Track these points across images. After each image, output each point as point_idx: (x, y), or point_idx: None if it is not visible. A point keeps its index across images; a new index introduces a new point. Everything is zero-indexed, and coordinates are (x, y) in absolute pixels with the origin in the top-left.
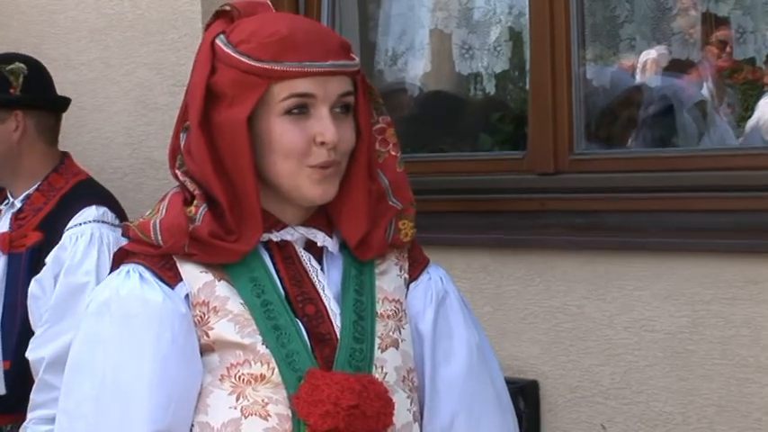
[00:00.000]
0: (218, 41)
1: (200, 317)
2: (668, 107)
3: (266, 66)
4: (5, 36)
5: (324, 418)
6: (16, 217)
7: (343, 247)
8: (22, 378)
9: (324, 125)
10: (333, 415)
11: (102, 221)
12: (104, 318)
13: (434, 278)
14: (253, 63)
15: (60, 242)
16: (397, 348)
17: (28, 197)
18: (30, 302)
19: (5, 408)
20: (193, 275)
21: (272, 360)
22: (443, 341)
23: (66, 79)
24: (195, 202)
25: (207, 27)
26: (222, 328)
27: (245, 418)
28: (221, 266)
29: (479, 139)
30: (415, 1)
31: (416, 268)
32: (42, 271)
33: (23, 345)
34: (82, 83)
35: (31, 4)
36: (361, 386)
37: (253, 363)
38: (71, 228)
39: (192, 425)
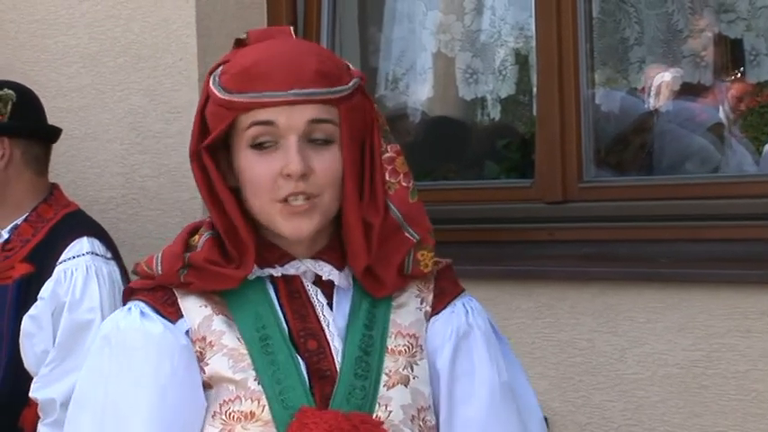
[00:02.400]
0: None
1: (200, 352)
2: (681, 132)
3: (230, 98)
4: None
5: None
6: (3, 248)
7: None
8: (9, 411)
9: (288, 156)
10: None
11: (95, 254)
12: (104, 352)
13: (458, 312)
14: (221, 95)
15: (54, 276)
16: (406, 386)
17: (15, 228)
18: (23, 340)
19: None
20: (193, 310)
21: (263, 397)
22: (463, 380)
23: (57, 106)
24: (201, 229)
25: None
26: (217, 363)
27: None
28: (224, 301)
29: (485, 167)
30: (417, 24)
31: (441, 300)
32: (38, 307)
33: (11, 378)
34: (73, 110)
35: (21, 29)
36: (350, 426)
37: (243, 399)
38: (65, 261)
39: None
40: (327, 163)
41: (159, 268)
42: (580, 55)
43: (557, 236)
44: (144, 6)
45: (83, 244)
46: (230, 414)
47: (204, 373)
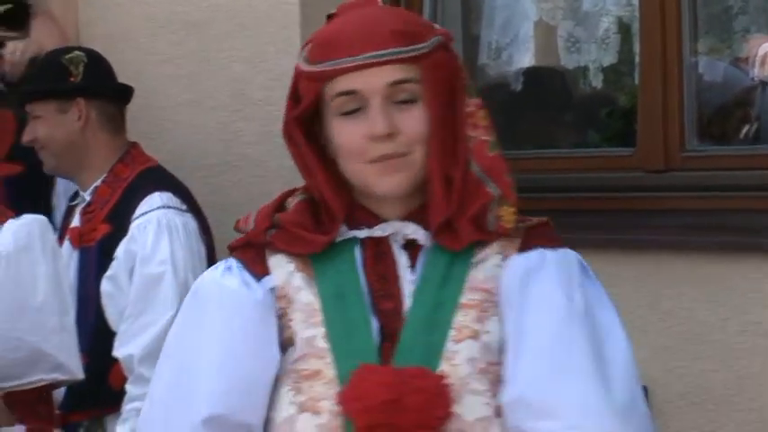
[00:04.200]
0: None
1: (284, 310)
2: None
3: (312, 69)
4: (101, 29)
5: (362, 413)
6: (85, 210)
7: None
8: (98, 373)
9: (372, 119)
10: (370, 410)
11: (168, 207)
12: (188, 303)
13: (535, 252)
14: (305, 68)
15: (129, 234)
16: (476, 339)
17: (95, 189)
18: (105, 301)
19: (81, 403)
20: (279, 267)
21: (329, 355)
22: (531, 308)
23: (163, 73)
24: (298, 191)
25: None
26: (295, 320)
27: (300, 414)
28: (309, 259)
29: (587, 136)
30: None
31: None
32: (113, 267)
33: (98, 339)
34: (178, 77)
35: None
36: (399, 380)
37: (310, 357)
38: (137, 217)
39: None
40: (413, 121)
41: (252, 225)
42: (683, 23)
43: (658, 205)
44: None
45: (154, 199)
46: (299, 371)
47: (290, 329)
